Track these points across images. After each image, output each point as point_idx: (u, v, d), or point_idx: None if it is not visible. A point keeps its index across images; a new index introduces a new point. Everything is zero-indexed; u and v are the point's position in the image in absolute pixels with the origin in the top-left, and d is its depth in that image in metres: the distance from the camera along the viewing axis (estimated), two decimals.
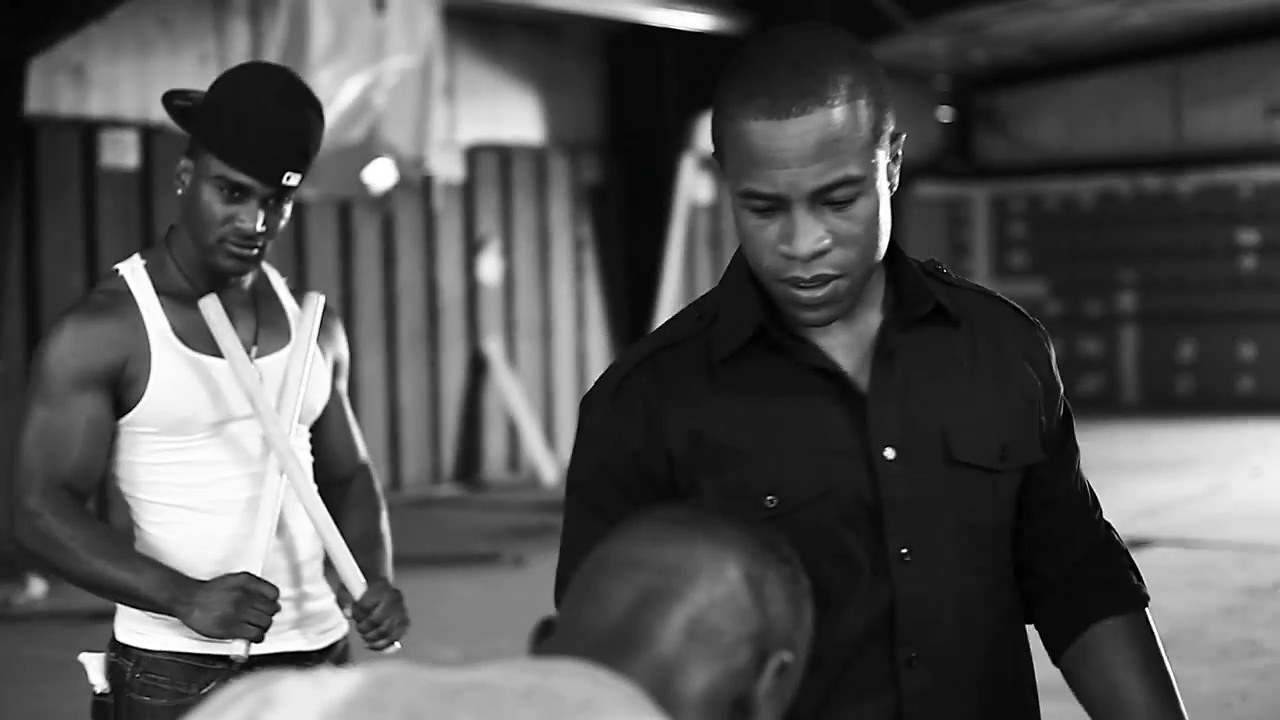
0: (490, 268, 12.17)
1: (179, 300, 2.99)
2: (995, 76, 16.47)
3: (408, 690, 1.32)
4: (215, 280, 2.98)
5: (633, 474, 2.11)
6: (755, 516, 1.97)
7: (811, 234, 1.93)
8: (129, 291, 2.97)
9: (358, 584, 2.98)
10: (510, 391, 12.17)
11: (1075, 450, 2.22)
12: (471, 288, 12.06)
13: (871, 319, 2.07)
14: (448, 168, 11.21)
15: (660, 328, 2.19)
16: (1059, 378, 2.20)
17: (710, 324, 2.10)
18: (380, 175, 9.80)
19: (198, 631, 2.86)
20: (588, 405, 2.16)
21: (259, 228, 2.89)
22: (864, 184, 1.93)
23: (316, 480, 3.11)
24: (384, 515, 3.25)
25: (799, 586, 1.53)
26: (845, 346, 2.07)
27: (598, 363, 12.98)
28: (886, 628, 2.05)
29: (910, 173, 16.15)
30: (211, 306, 2.96)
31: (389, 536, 3.22)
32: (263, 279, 3.11)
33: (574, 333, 12.86)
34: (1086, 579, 2.21)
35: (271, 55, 9.35)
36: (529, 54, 12.23)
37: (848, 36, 1.99)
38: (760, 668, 1.47)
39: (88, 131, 9.65)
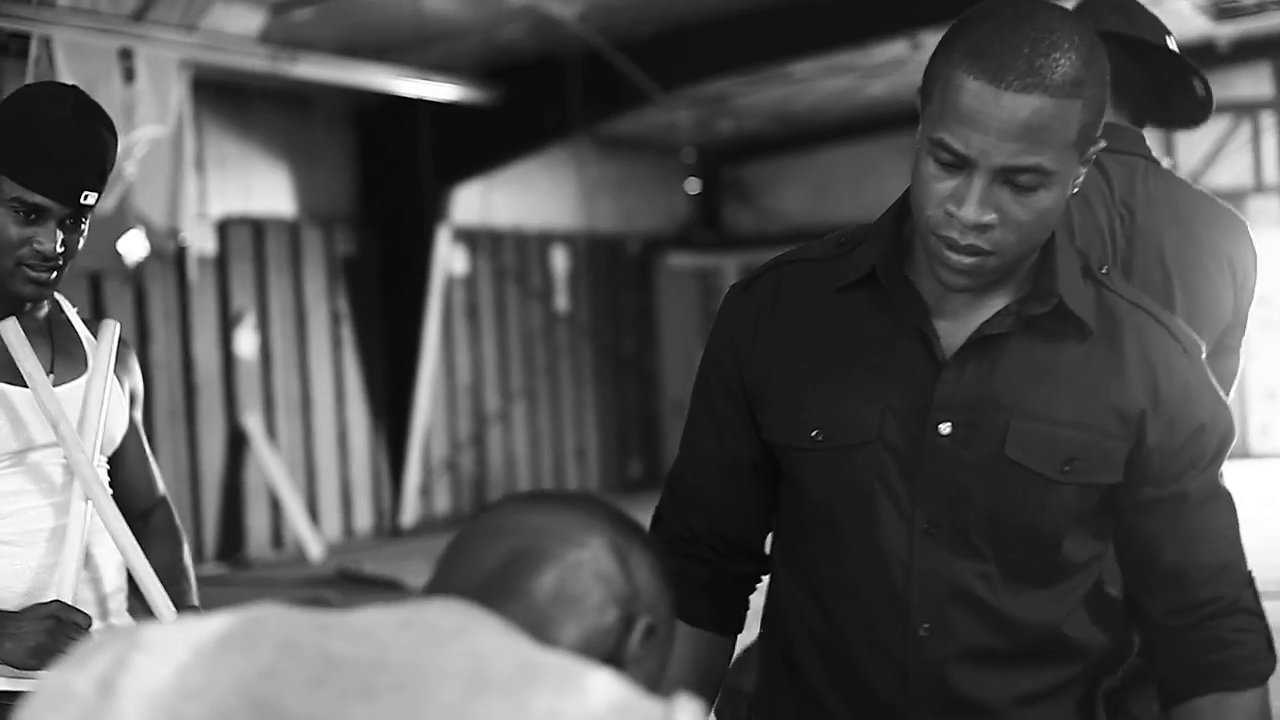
0: (246, 342, 12.06)
1: None
2: (741, 148, 16.80)
3: (281, 624, 1.34)
4: (10, 306, 2.92)
5: (732, 367, 2.19)
6: (797, 443, 2.09)
7: (982, 205, 1.94)
8: None
9: (167, 613, 2.93)
10: (271, 467, 12.03)
11: (1202, 490, 2.12)
12: (228, 362, 11.93)
13: (999, 300, 2.08)
14: (199, 240, 11.10)
15: (809, 243, 2.23)
16: (1202, 409, 2.11)
17: (848, 252, 2.14)
18: (133, 247, 9.68)
19: (9, 664, 2.76)
20: (726, 295, 2.23)
21: (58, 249, 2.84)
22: (1052, 178, 1.94)
23: None
24: (186, 548, 3.20)
25: (661, 565, 1.57)
26: (959, 317, 2.08)
27: (359, 436, 12.91)
28: (902, 592, 2.07)
29: (660, 244, 16.39)
30: (11, 329, 2.89)
31: (192, 569, 3.17)
32: (56, 307, 3.05)
33: (334, 407, 12.77)
34: (1196, 639, 2.15)
35: None
36: (279, 126, 12.18)
37: (1092, 34, 1.98)
38: (628, 630, 1.51)
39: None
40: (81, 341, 3.05)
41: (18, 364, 2.90)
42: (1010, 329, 2.07)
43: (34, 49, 9.06)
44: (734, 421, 2.20)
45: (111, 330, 3.09)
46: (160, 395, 11.35)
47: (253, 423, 11.99)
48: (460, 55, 11.78)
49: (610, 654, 1.50)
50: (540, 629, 1.45)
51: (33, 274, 2.86)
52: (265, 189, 12.12)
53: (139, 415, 3.18)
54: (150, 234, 9.76)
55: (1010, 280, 2.07)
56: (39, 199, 2.82)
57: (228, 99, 11.60)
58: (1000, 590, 2.08)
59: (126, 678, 1.29)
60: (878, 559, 2.08)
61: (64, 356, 3.00)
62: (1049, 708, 2.14)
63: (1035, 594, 2.10)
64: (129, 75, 9.56)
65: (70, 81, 9.01)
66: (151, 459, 3.22)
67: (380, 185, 12.79)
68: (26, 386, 2.92)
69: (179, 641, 1.32)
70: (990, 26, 1.93)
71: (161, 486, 3.23)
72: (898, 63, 13.16)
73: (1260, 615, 2.17)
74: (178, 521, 3.23)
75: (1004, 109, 1.90)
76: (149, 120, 9.67)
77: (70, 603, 2.85)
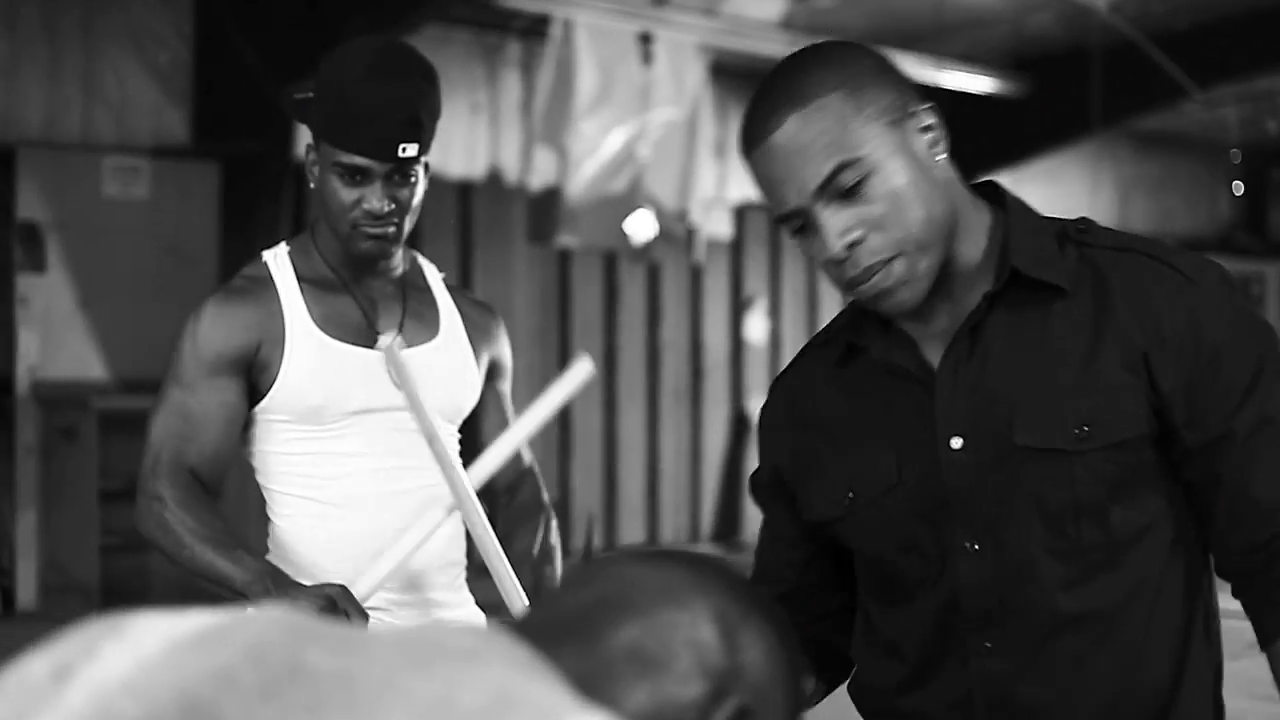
0: (756, 327, 12.13)
1: (321, 288, 2.95)
2: None
3: (264, 627, 1.19)
4: (360, 266, 2.95)
5: (769, 470, 2.26)
6: (836, 513, 2.13)
7: (835, 229, 1.96)
8: (269, 277, 2.94)
9: (517, 598, 2.85)
10: None
11: (1249, 423, 1.99)
12: (737, 347, 12.03)
13: (973, 298, 2.05)
14: (716, 225, 11.23)
15: (825, 327, 2.27)
16: (1218, 331, 1.99)
17: (839, 328, 2.19)
18: (641, 226, 9.85)
19: None
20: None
21: (386, 206, 2.85)
22: (866, 164, 1.95)
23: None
24: (554, 525, 3.13)
25: (785, 653, 1.35)
26: (942, 332, 2.06)
27: None
28: (955, 618, 2.05)
29: (1198, 247, 15.70)
30: (388, 341, 2.93)
31: (559, 548, 3.11)
32: (416, 271, 3.07)
33: None
34: (1269, 578, 2.03)
35: (539, 104, 9.49)
36: None
37: (822, 46, 2.05)
38: (715, 709, 1.28)
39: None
40: (437, 308, 3.04)
41: (372, 324, 2.93)
42: (982, 319, 2.03)
43: (556, 30, 9.32)
44: (789, 525, 2.25)
45: (479, 307, 3.09)
46: (668, 375, 11.54)
47: (757, 408, 12.04)
48: (986, 45, 11.54)
49: None
50: (602, 683, 1.24)
51: (369, 231, 2.87)
52: None
53: (506, 387, 3.14)
54: (660, 215, 9.92)
55: (975, 280, 2.05)
56: (357, 160, 2.83)
57: (750, 86, 11.66)
58: (1058, 587, 2.02)
59: (88, 667, 1.17)
60: (932, 591, 2.07)
61: (415, 320, 2.99)
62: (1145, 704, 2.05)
63: (1099, 580, 2.02)
64: (647, 57, 9.73)
65: (589, 63, 9.31)
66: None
67: None
68: (370, 347, 2.93)
69: (156, 633, 1.19)
70: (744, 118, 2.03)
71: (528, 459, 3.16)
72: None
73: None
74: (545, 498, 3.16)
75: (778, 151, 1.96)
76: (665, 102, 9.83)
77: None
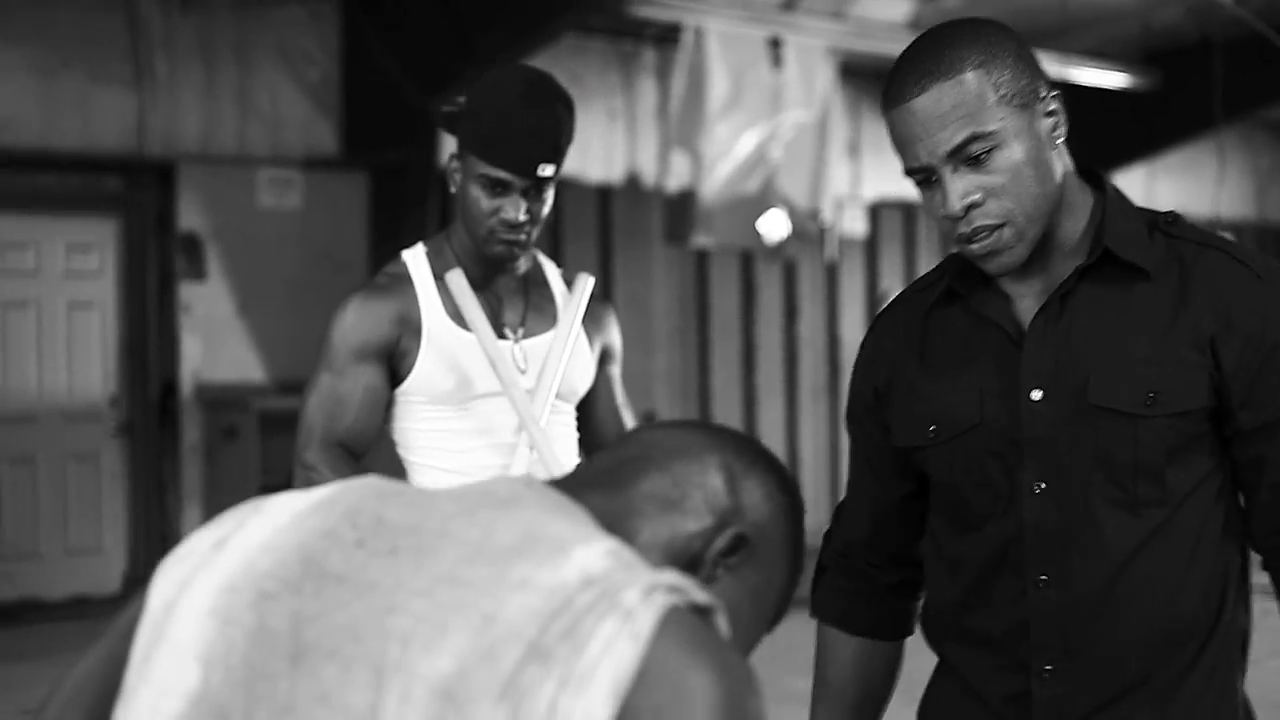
0: None
1: None
2: None
3: (358, 493, 1.52)
4: (490, 267, 3.28)
5: (861, 404, 2.47)
6: (919, 442, 2.35)
7: (958, 191, 2.17)
8: (408, 275, 3.28)
9: None
10: None
11: None
12: None
13: (1067, 267, 2.27)
14: (851, 223, 11.44)
15: (921, 276, 2.49)
16: None
17: (940, 276, 2.40)
18: (773, 226, 10.09)
19: None
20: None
21: (521, 217, 3.18)
22: (996, 137, 2.16)
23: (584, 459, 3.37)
24: None
25: (786, 498, 1.63)
26: (1035, 294, 2.28)
27: None
28: (1018, 549, 2.27)
29: None
30: (456, 280, 3.24)
31: None
32: (537, 268, 3.40)
33: None
34: None
35: (673, 108, 9.77)
36: None
37: (972, 22, 2.25)
38: (719, 535, 1.58)
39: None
40: (555, 300, 3.37)
41: (462, 312, 3.23)
42: (1073, 288, 2.24)
43: (688, 38, 9.59)
44: (876, 450, 2.45)
45: (583, 285, 3.40)
46: (805, 372, 11.74)
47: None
48: (1115, 40, 11.64)
49: (695, 558, 1.55)
50: (625, 519, 1.53)
51: (504, 237, 3.21)
52: None
53: (616, 370, 3.48)
54: (793, 214, 10.16)
55: (1071, 251, 2.26)
56: (501, 174, 3.16)
57: (881, 86, 11.82)
58: (1112, 532, 2.22)
59: (238, 535, 1.51)
60: (999, 523, 2.28)
61: (535, 313, 3.33)
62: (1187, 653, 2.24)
63: (1148, 529, 2.22)
64: (777, 61, 9.97)
65: (721, 68, 9.57)
66: (625, 410, 3.50)
67: None
68: (504, 339, 3.28)
69: (286, 507, 1.52)
70: (890, 74, 2.22)
71: (630, 426, 3.47)
72: None
73: None
74: None
75: (918, 114, 2.16)
76: (795, 104, 10.07)
77: None
